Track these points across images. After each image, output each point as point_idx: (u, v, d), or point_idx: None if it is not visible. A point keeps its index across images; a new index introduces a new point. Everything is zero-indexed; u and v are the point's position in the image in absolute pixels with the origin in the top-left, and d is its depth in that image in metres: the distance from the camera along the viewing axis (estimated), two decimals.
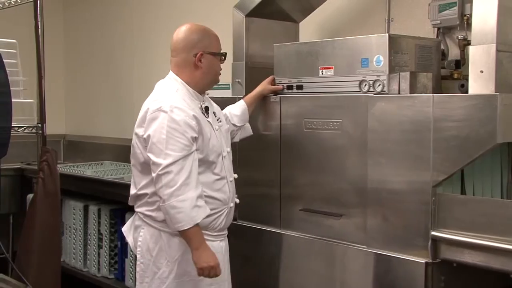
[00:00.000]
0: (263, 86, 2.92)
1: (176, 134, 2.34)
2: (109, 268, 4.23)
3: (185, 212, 2.32)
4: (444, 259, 2.31)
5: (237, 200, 2.67)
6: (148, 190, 2.47)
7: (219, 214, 2.51)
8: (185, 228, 2.33)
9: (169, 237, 2.45)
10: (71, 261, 4.51)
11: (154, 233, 2.48)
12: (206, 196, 2.43)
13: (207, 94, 2.85)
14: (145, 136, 2.41)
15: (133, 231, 2.59)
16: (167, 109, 2.37)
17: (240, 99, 2.93)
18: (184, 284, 2.47)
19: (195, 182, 2.36)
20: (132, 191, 2.55)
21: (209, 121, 2.51)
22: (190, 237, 2.36)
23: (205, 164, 2.46)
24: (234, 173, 2.65)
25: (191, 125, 2.38)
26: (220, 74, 2.61)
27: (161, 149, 2.34)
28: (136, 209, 2.56)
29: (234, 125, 2.83)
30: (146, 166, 2.43)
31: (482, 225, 2.20)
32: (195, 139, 2.40)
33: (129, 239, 2.62)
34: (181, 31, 2.53)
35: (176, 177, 2.32)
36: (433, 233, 2.30)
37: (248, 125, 2.90)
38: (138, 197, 2.53)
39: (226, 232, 2.62)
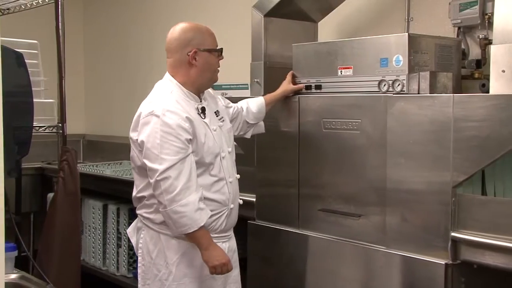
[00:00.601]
0: (285, 86, 2.87)
1: (170, 138, 2.32)
2: (127, 267, 4.25)
3: (188, 216, 2.32)
4: (464, 261, 2.29)
5: (240, 201, 2.62)
6: (145, 193, 2.47)
7: (218, 215, 2.48)
8: (190, 232, 2.34)
9: (168, 239, 2.45)
10: (91, 260, 4.54)
11: (154, 235, 2.48)
12: (204, 198, 2.42)
13: (225, 94, 2.86)
14: (139, 141, 2.40)
15: (136, 233, 2.60)
16: (159, 113, 2.35)
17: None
18: (185, 286, 2.45)
19: (195, 185, 2.36)
20: (133, 193, 2.56)
21: (205, 122, 2.47)
22: (198, 239, 2.37)
23: (202, 166, 2.43)
24: (237, 173, 2.61)
25: (184, 127, 2.35)
26: (218, 71, 2.54)
27: (156, 154, 2.32)
28: (137, 211, 2.57)
29: (247, 122, 2.80)
30: (142, 170, 2.43)
31: (503, 226, 2.18)
32: (190, 141, 2.37)
33: (133, 240, 2.63)
34: (174, 31, 2.49)
35: (175, 182, 2.31)
36: (453, 234, 2.29)
37: (261, 122, 2.87)
38: (139, 199, 2.53)
39: (229, 233, 2.59)
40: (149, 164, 2.35)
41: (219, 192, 2.48)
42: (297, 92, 2.87)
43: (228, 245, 2.56)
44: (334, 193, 2.70)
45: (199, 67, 2.46)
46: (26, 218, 4.85)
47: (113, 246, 4.34)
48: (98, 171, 4.62)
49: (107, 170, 4.66)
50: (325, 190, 2.74)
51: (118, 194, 4.31)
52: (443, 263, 2.29)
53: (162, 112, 2.35)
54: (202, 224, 2.35)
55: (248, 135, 2.87)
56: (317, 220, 2.77)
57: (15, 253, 2.32)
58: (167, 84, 2.49)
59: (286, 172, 2.92)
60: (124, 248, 4.25)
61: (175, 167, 2.31)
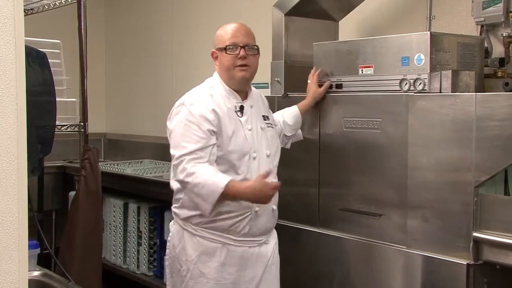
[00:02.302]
0: (313, 92, 2.82)
1: (192, 126, 2.35)
2: (148, 266, 4.28)
3: (206, 184, 2.27)
4: (487, 261, 2.27)
5: (274, 207, 2.54)
6: (174, 186, 2.48)
7: (241, 217, 2.42)
8: (218, 196, 2.27)
9: (190, 237, 2.45)
10: (111, 258, 4.57)
11: (179, 231, 2.50)
12: None
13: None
14: (169, 129, 2.45)
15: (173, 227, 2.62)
16: (187, 103, 2.40)
17: (280, 98, 2.93)
18: (202, 285, 2.43)
19: (210, 165, 2.32)
20: None
21: (240, 120, 2.45)
22: (234, 196, 2.32)
23: (227, 163, 2.40)
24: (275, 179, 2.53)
25: (208, 118, 2.36)
26: (237, 69, 2.45)
27: (178, 141, 2.37)
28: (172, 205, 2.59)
29: (285, 135, 2.78)
30: None
31: None
32: (213, 132, 2.37)
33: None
34: None
35: (189, 162, 2.30)
36: (475, 234, 2.26)
37: (299, 131, 2.86)
38: (173, 192, 2.54)
39: (260, 238, 2.50)
40: (171, 150, 2.40)
41: None
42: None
43: (256, 251, 2.49)
44: (354, 193, 2.69)
45: (219, 67, 2.53)
46: (48, 216, 4.89)
47: (134, 245, 4.36)
48: (119, 170, 4.65)
49: (128, 168, 4.69)
50: (346, 190, 2.73)
51: (138, 193, 4.34)
52: (465, 263, 2.28)
53: (190, 102, 2.40)
54: (224, 183, 2.26)
55: (288, 146, 2.85)
56: (337, 219, 2.76)
57: (38, 250, 2.34)
58: (211, 79, 2.55)
59: (307, 171, 2.91)
60: (145, 246, 4.27)
61: (194, 153, 2.32)
